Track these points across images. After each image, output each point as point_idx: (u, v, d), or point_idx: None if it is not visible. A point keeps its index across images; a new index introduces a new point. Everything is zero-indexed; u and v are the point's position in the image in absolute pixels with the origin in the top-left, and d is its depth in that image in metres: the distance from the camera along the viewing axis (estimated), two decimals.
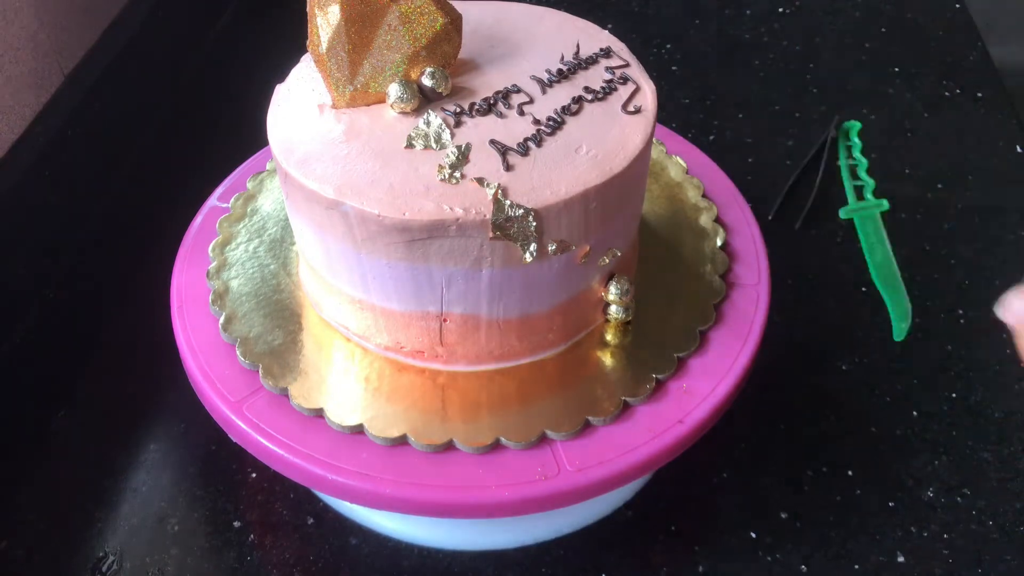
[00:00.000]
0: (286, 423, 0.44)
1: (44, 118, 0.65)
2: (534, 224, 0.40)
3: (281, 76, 0.47)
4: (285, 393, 0.45)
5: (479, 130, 0.42)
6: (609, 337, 0.48)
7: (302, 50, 0.46)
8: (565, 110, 0.43)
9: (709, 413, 0.45)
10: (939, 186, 0.73)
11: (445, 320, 0.44)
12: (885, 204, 0.71)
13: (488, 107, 0.43)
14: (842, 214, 0.71)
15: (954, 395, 0.58)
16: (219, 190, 0.56)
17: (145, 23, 0.76)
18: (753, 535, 0.51)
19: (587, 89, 0.45)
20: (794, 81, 0.84)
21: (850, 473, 0.54)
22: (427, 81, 0.43)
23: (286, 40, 0.61)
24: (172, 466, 0.55)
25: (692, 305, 0.49)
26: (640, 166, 0.44)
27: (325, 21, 0.42)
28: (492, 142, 0.42)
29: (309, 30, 0.43)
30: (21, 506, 0.52)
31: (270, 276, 0.50)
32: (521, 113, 0.43)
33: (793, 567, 0.50)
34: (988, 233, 0.69)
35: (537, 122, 0.43)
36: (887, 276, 0.65)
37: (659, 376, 0.46)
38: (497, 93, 0.44)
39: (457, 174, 0.40)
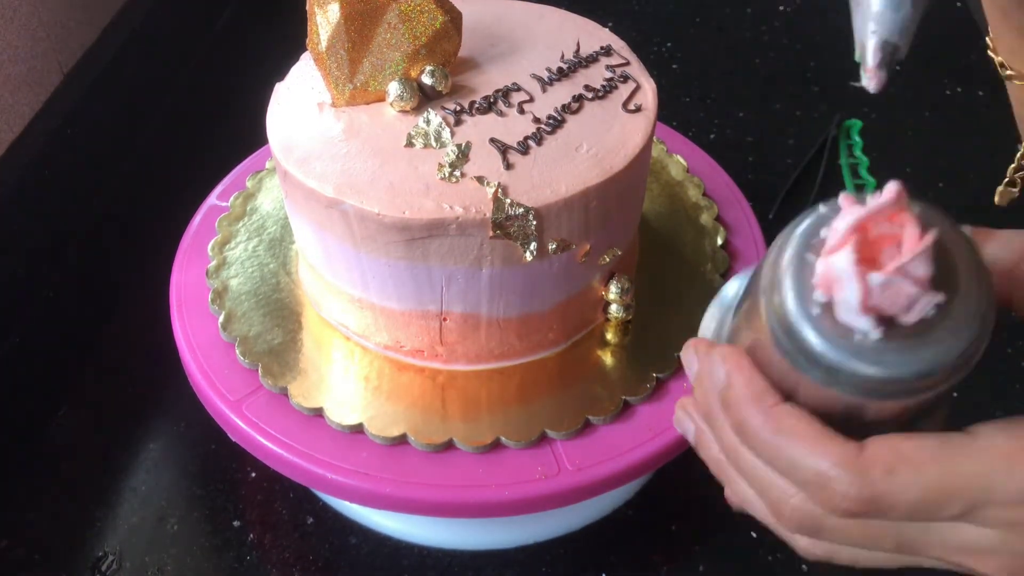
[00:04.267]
0: (285, 422, 0.44)
1: (43, 117, 0.65)
2: (534, 223, 0.40)
3: (281, 75, 0.47)
4: (285, 392, 0.45)
5: (479, 128, 0.42)
6: (609, 336, 0.48)
7: (302, 49, 0.46)
8: (565, 108, 0.43)
9: None
10: (940, 185, 0.73)
11: (445, 319, 0.44)
12: None
13: (488, 105, 0.43)
14: None
15: (955, 394, 0.58)
16: (218, 189, 0.56)
17: (144, 22, 0.76)
18: (753, 535, 0.51)
19: (587, 87, 0.44)
20: (795, 80, 0.84)
21: None
22: (427, 79, 0.43)
23: (286, 39, 0.61)
24: (172, 465, 0.55)
25: (692, 304, 0.49)
26: (640, 165, 0.44)
27: (325, 19, 0.42)
28: (492, 140, 0.41)
29: (309, 28, 0.42)
30: (21, 506, 0.52)
31: (269, 275, 0.50)
32: (521, 111, 0.43)
33: (793, 567, 0.50)
34: None
35: (537, 120, 0.43)
36: None
37: (659, 375, 0.46)
38: (497, 91, 0.44)
39: (457, 173, 0.40)
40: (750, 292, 0.27)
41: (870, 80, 0.26)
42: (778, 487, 0.26)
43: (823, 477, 0.24)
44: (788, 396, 0.26)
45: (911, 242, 0.22)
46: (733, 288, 0.32)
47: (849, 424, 0.25)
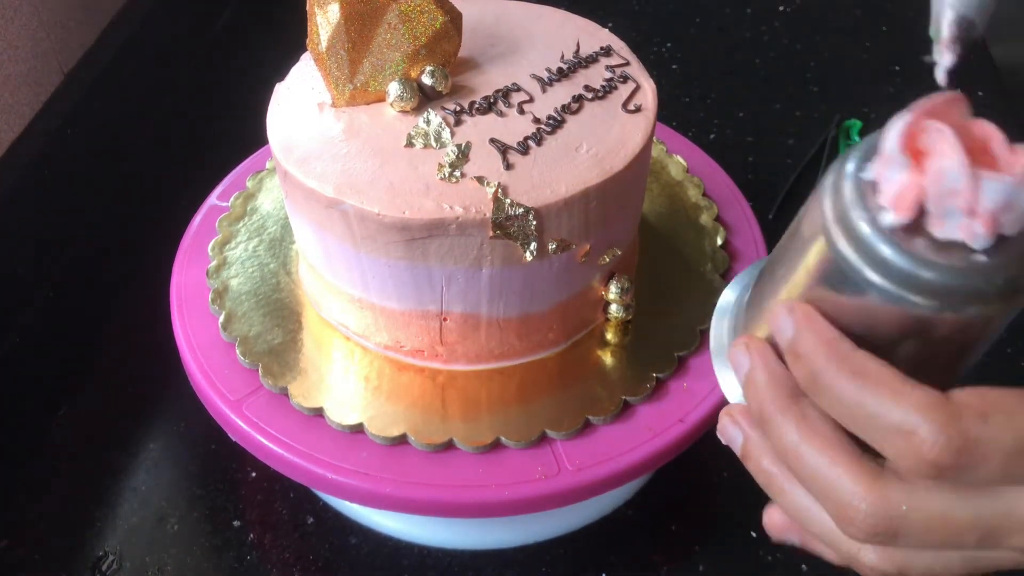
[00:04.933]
0: (286, 422, 0.44)
1: (43, 117, 0.65)
2: (534, 223, 0.40)
3: (281, 75, 0.47)
4: (285, 392, 0.45)
5: (479, 129, 0.42)
6: (609, 336, 0.48)
7: (302, 49, 0.46)
8: (565, 109, 0.43)
9: (709, 412, 0.44)
10: None
11: (445, 319, 0.44)
12: None
13: (488, 106, 0.43)
14: None
15: None
16: (218, 189, 0.56)
17: (145, 22, 0.76)
18: (753, 535, 0.51)
19: (587, 88, 0.44)
20: (795, 80, 0.84)
21: None
22: (427, 80, 0.43)
23: (286, 39, 0.61)
24: (172, 465, 0.55)
25: (692, 304, 0.49)
26: (640, 165, 0.44)
27: (325, 19, 0.42)
28: (492, 141, 0.42)
29: (309, 28, 0.42)
30: (21, 506, 0.52)
31: (270, 275, 0.50)
32: (521, 112, 0.43)
33: (794, 567, 0.50)
34: None
35: (537, 121, 0.43)
36: None
37: (659, 375, 0.46)
38: (497, 92, 0.44)
39: (457, 173, 0.40)
40: (785, 257, 0.27)
41: (944, 54, 0.26)
42: (847, 489, 0.24)
43: (912, 423, 0.22)
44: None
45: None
46: (732, 294, 0.32)
47: (914, 360, 0.24)
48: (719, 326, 0.32)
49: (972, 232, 0.22)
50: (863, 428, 0.24)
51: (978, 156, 0.22)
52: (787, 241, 0.27)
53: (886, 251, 0.23)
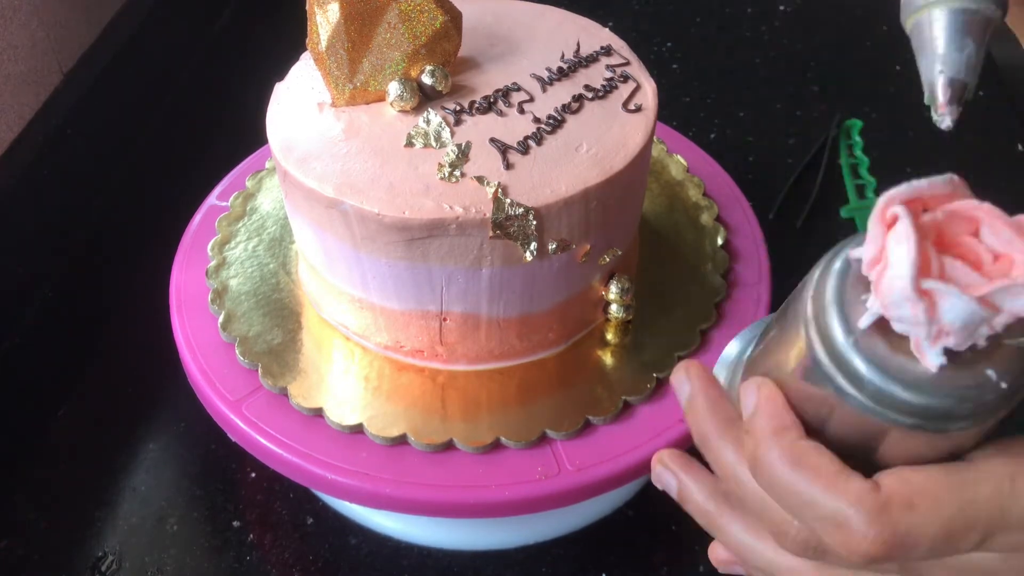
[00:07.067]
0: (285, 422, 0.44)
1: (43, 117, 0.65)
2: (534, 223, 0.40)
3: (281, 75, 0.46)
4: (284, 392, 0.45)
5: (479, 128, 0.42)
6: (609, 336, 0.48)
7: (302, 49, 0.46)
8: (565, 108, 0.43)
9: None
10: None
11: (445, 319, 0.44)
12: None
13: (488, 105, 0.43)
14: (843, 213, 0.70)
15: None
16: (218, 189, 0.56)
17: (144, 22, 0.76)
18: None
19: (587, 87, 0.44)
20: (795, 79, 0.84)
21: None
22: (427, 79, 0.43)
23: (286, 38, 0.61)
24: (171, 465, 0.55)
25: (693, 304, 0.49)
26: (641, 165, 0.43)
27: (325, 19, 0.41)
28: (492, 140, 0.41)
29: (308, 28, 0.42)
30: (21, 506, 0.52)
31: (269, 275, 0.50)
32: (521, 111, 0.43)
33: None
34: None
35: (537, 120, 0.43)
36: None
37: (659, 375, 0.45)
38: (497, 91, 0.44)
39: (457, 173, 0.40)
40: (777, 332, 0.27)
41: (943, 116, 0.27)
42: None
43: (844, 516, 0.23)
44: (814, 429, 0.25)
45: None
46: (735, 347, 0.32)
47: (872, 451, 0.24)
48: (718, 376, 0.31)
49: (922, 349, 0.22)
50: (799, 514, 0.24)
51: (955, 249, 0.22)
52: (780, 315, 0.27)
53: (856, 362, 0.23)
